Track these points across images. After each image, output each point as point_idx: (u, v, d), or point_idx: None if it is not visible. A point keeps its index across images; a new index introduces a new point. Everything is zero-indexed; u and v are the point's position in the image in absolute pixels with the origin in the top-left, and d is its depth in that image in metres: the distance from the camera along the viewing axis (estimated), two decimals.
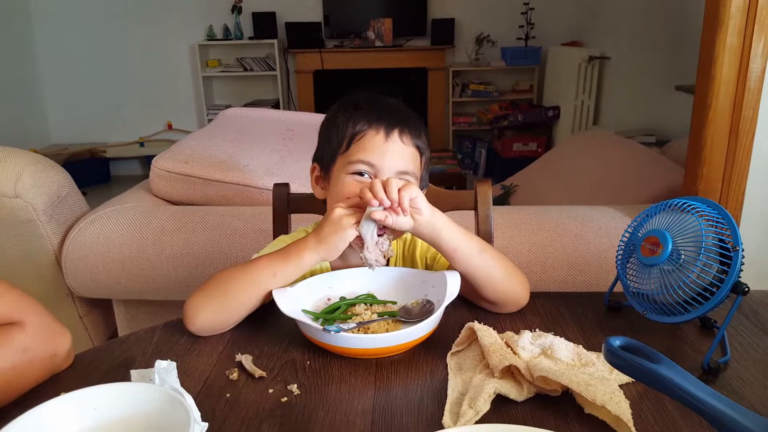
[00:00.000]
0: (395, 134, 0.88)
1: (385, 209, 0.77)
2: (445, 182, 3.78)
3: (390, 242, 0.83)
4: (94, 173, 4.65)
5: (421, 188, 0.94)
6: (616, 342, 0.57)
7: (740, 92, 1.14)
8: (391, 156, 0.87)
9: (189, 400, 0.57)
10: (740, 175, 1.21)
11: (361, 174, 0.87)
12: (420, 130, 0.92)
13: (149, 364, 0.75)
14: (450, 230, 0.82)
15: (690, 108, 1.26)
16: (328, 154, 0.93)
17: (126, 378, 0.69)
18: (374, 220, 0.78)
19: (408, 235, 0.99)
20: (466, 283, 0.85)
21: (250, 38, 4.77)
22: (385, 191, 0.77)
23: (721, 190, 1.23)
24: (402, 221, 0.79)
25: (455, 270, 0.85)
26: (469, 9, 4.78)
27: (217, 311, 0.81)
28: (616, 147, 2.24)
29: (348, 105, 0.92)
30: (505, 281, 0.84)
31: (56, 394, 0.60)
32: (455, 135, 4.99)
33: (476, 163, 4.78)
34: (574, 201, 1.85)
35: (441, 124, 4.97)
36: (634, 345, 0.57)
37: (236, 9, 4.71)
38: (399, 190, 0.77)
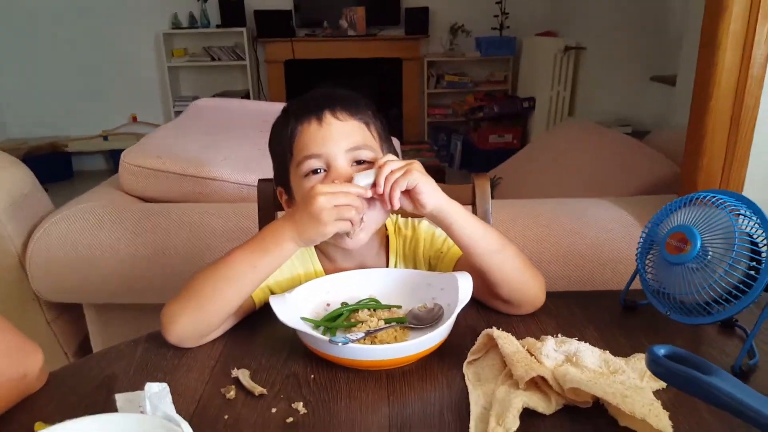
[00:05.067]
0: (326, 116, 0.81)
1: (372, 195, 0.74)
2: None
3: (355, 232, 0.76)
4: (56, 169, 4.43)
5: None
6: (661, 351, 0.52)
7: (743, 80, 1.11)
8: (333, 138, 0.80)
9: (187, 429, 0.49)
10: (740, 163, 1.18)
11: (316, 172, 0.80)
12: (357, 103, 0.84)
13: (133, 384, 0.67)
14: (463, 224, 0.76)
15: (665, 98, 1.24)
16: (282, 171, 0.87)
17: (108, 401, 0.61)
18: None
19: (409, 232, 0.93)
20: (479, 281, 0.79)
21: (218, 26, 4.61)
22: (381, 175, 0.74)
23: (720, 179, 1.20)
24: (375, 218, 0.79)
25: (466, 271, 0.79)
26: None
27: (195, 317, 0.73)
28: (600, 137, 2.22)
29: (280, 115, 0.87)
30: (522, 281, 0.79)
31: (30, 423, 0.52)
32: (431, 127, 4.93)
33: (452, 155, 4.74)
34: (561, 192, 1.81)
35: (416, 116, 4.90)
36: (680, 354, 0.52)
37: None
38: (395, 179, 0.73)
